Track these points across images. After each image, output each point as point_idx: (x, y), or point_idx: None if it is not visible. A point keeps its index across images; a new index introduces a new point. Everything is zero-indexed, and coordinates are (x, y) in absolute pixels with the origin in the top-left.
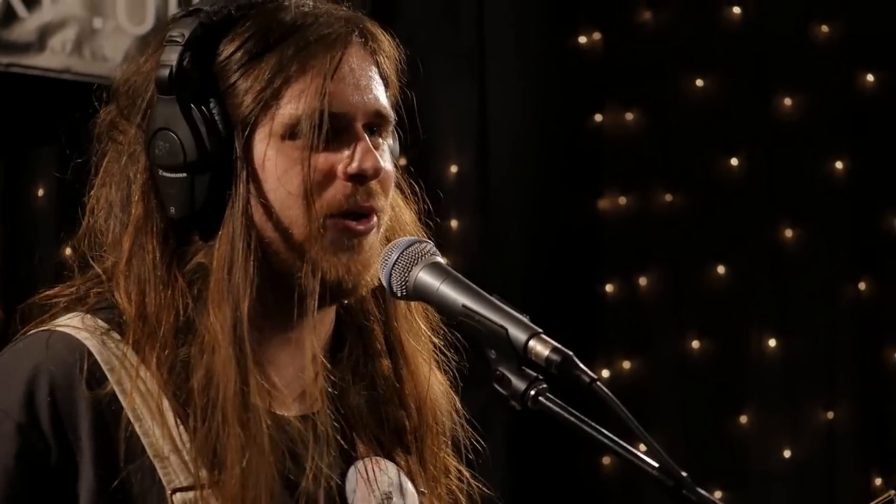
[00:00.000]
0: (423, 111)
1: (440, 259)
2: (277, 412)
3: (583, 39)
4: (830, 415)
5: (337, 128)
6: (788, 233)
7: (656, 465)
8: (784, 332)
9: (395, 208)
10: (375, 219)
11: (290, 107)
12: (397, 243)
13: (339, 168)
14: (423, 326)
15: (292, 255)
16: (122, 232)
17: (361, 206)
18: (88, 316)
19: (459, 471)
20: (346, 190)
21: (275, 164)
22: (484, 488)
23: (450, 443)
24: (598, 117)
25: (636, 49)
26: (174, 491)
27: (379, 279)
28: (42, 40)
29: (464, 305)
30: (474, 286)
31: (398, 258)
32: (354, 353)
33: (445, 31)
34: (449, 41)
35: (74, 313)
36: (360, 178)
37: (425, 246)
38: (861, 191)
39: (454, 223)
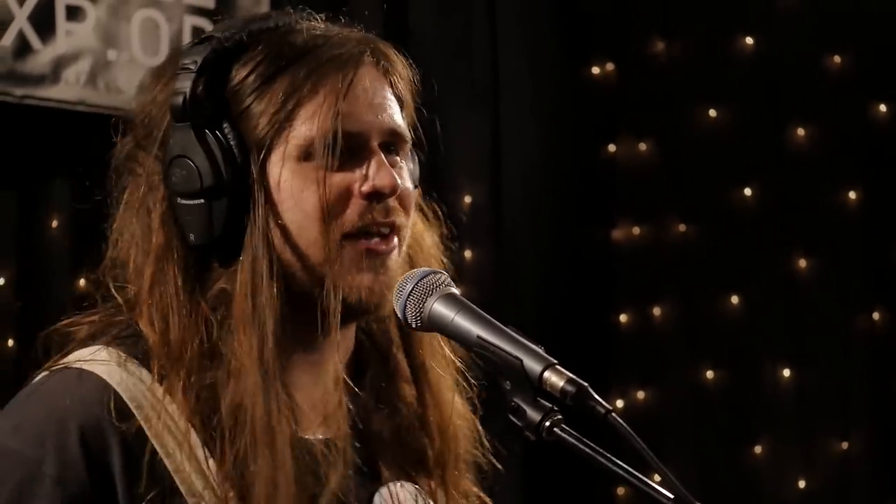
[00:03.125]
0: (437, 142)
1: (455, 290)
2: (302, 435)
3: (596, 70)
4: (845, 445)
5: (352, 147)
6: (802, 263)
7: (671, 495)
8: (798, 363)
9: (417, 233)
10: (396, 238)
11: (304, 128)
12: (412, 274)
13: (356, 187)
14: (446, 351)
15: (313, 276)
16: (144, 261)
17: (379, 223)
18: (112, 349)
19: (481, 497)
20: (362, 208)
21: (291, 185)
22: None
23: (471, 469)
24: (612, 148)
25: (649, 80)
26: None
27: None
28: (56, 72)
29: (479, 336)
30: (489, 317)
31: (413, 289)
32: (377, 378)
33: (459, 62)
34: (463, 73)
35: (98, 346)
36: (377, 196)
37: (440, 277)
38: (874, 221)
39: (468, 254)
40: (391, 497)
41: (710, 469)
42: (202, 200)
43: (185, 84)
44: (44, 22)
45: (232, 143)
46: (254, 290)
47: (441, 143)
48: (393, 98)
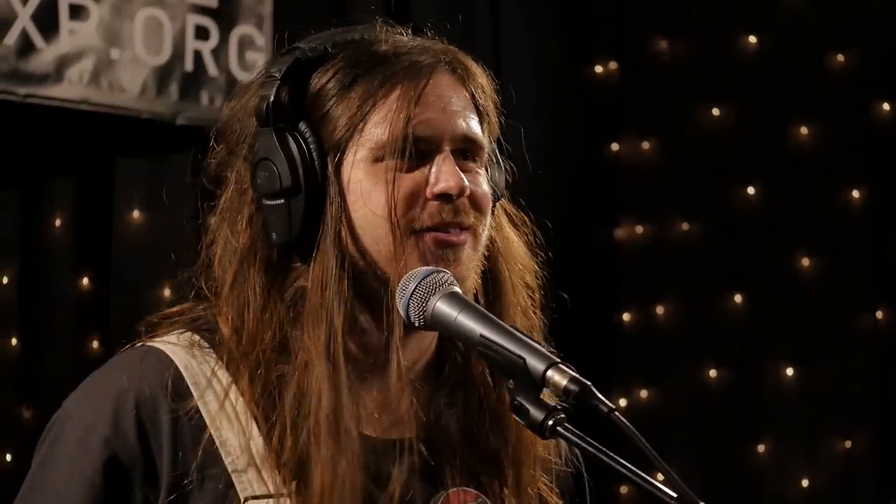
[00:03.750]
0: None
1: (457, 289)
2: (365, 433)
3: (599, 69)
4: (848, 444)
5: (423, 151)
6: (805, 262)
7: (674, 494)
8: (801, 361)
9: (507, 242)
10: (466, 234)
11: (377, 131)
12: (415, 273)
13: (424, 188)
14: None
15: (380, 274)
16: (229, 261)
17: (448, 223)
18: (186, 333)
19: (555, 499)
20: (432, 209)
21: (361, 185)
22: None
23: (547, 475)
24: (615, 146)
25: (652, 79)
26: (247, 499)
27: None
28: (59, 71)
29: (482, 335)
30: (492, 316)
31: (416, 288)
32: (452, 378)
33: None
34: None
35: (175, 332)
36: (445, 197)
37: (443, 276)
38: (877, 220)
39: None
40: (455, 502)
41: (714, 468)
42: (282, 200)
43: (269, 91)
44: (47, 21)
45: (311, 145)
46: (324, 285)
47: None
48: (470, 106)
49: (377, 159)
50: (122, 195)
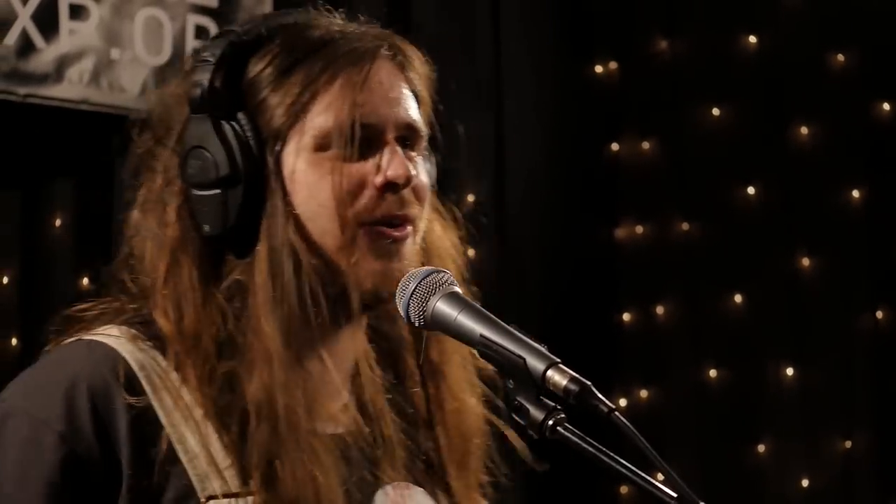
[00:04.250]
0: (439, 140)
1: (457, 289)
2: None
3: (599, 69)
4: (848, 444)
5: (368, 139)
6: (805, 262)
7: (674, 494)
8: (801, 361)
9: (434, 233)
10: (410, 227)
11: (320, 119)
12: (415, 273)
13: (370, 178)
14: (463, 351)
15: (328, 266)
16: (159, 254)
17: (394, 215)
18: (125, 327)
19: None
20: (377, 199)
21: (306, 176)
22: None
23: (481, 472)
24: (615, 146)
25: (652, 78)
26: (208, 499)
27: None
28: (59, 71)
29: (482, 335)
30: (492, 316)
31: (416, 288)
32: (386, 378)
33: (462, 60)
34: (466, 72)
35: (111, 325)
36: (392, 187)
37: (443, 276)
38: (877, 220)
39: (471, 252)
40: (395, 496)
41: (714, 468)
42: (218, 191)
43: (203, 76)
44: (47, 21)
45: (248, 133)
46: (274, 280)
47: (443, 142)
48: (409, 93)
49: (321, 148)
50: (122, 195)
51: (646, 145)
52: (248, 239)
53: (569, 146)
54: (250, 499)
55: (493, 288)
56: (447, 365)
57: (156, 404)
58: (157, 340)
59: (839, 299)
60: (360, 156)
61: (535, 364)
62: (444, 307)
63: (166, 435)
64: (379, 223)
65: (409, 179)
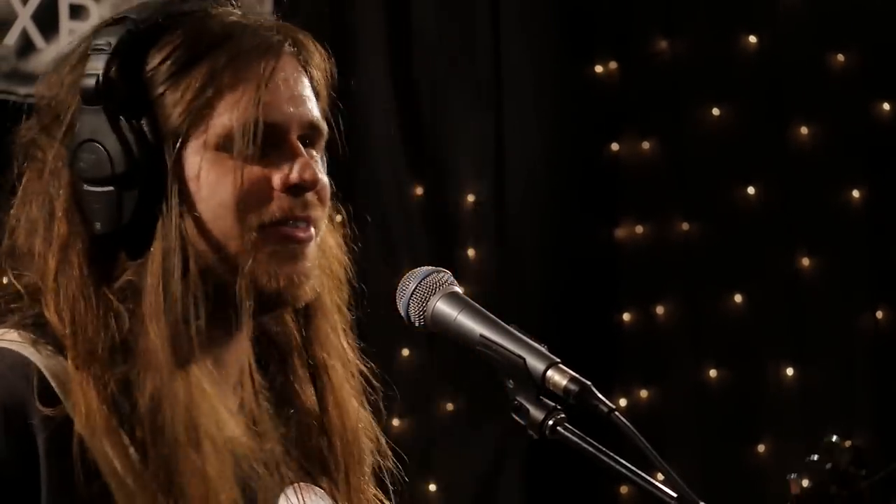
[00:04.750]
0: (440, 140)
1: (458, 289)
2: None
3: (599, 69)
4: (848, 444)
5: (271, 139)
6: (805, 261)
7: (674, 494)
8: (801, 361)
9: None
10: (313, 229)
11: (224, 118)
12: (415, 273)
13: (275, 179)
14: (349, 353)
15: (228, 268)
16: (46, 250)
17: (298, 217)
18: (22, 331)
19: (381, 500)
20: (282, 202)
21: (207, 176)
22: None
23: (370, 472)
24: (615, 146)
25: (652, 78)
26: None
27: (316, 291)
28: None
29: (481, 335)
30: (492, 316)
31: (416, 288)
32: (277, 379)
33: (462, 60)
34: (465, 70)
35: (6, 328)
36: (298, 190)
37: (443, 276)
38: (877, 219)
39: (471, 252)
40: (297, 498)
41: (714, 468)
42: (111, 188)
43: (97, 65)
44: (47, 21)
45: (146, 129)
46: (165, 283)
47: (444, 142)
48: (311, 90)
49: (223, 147)
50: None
51: (646, 145)
52: (142, 239)
53: (569, 146)
54: None
55: (492, 288)
56: (332, 366)
57: (75, 417)
58: (56, 345)
59: (839, 299)
60: (263, 155)
61: (535, 364)
62: (444, 307)
63: (87, 451)
64: (281, 224)
65: (316, 183)
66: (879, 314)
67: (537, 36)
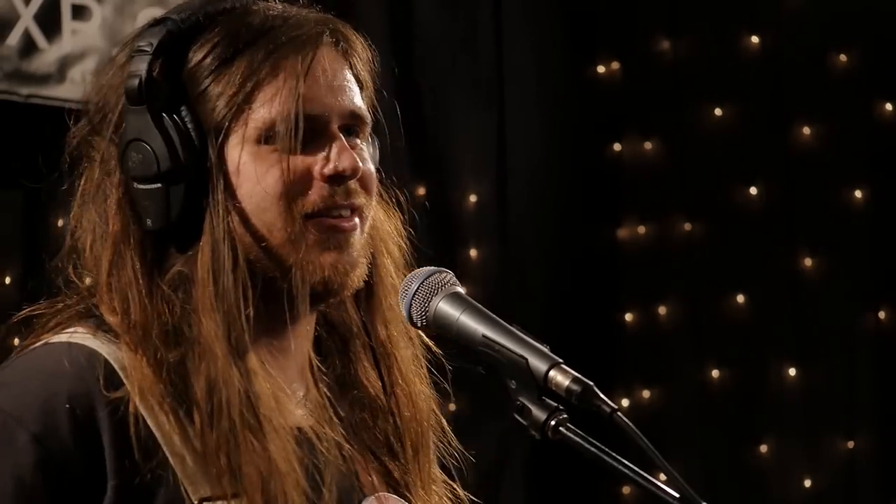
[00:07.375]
0: (442, 140)
1: (460, 289)
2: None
3: (601, 69)
4: (851, 444)
5: (312, 129)
6: (807, 261)
7: (677, 494)
8: (804, 361)
9: (378, 219)
10: (358, 218)
11: (264, 110)
12: (417, 273)
13: (316, 169)
14: (412, 336)
15: (275, 260)
16: (101, 248)
17: (341, 205)
18: (85, 325)
19: (447, 483)
20: (324, 191)
21: (250, 168)
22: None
23: (435, 452)
24: (617, 146)
25: (655, 78)
26: (200, 501)
27: (363, 280)
28: (62, 71)
29: (484, 335)
30: (494, 316)
31: (418, 288)
32: (338, 366)
33: (464, 59)
34: (468, 69)
35: (72, 327)
36: (338, 179)
37: (445, 276)
38: (880, 219)
39: (473, 252)
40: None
41: (716, 468)
42: (159, 185)
43: (140, 66)
44: (49, 21)
45: (189, 126)
46: (216, 275)
47: (446, 141)
48: (353, 79)
49: (264, 140)
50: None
51: (648, 145)
52: (191, 233)
53: (571, 146)
54: (234, 501)
55: (495, 288)
56: (396, 349)
57: (140, 404)
58: (115, 333)
59: (842, 299)
60: (305, 147)
61: (538, 364)
62: (446, 307)
63: (153, 435)
64: (325, 214)
65: (356, 171)
66: (881, 314)
67: (539, 35)
